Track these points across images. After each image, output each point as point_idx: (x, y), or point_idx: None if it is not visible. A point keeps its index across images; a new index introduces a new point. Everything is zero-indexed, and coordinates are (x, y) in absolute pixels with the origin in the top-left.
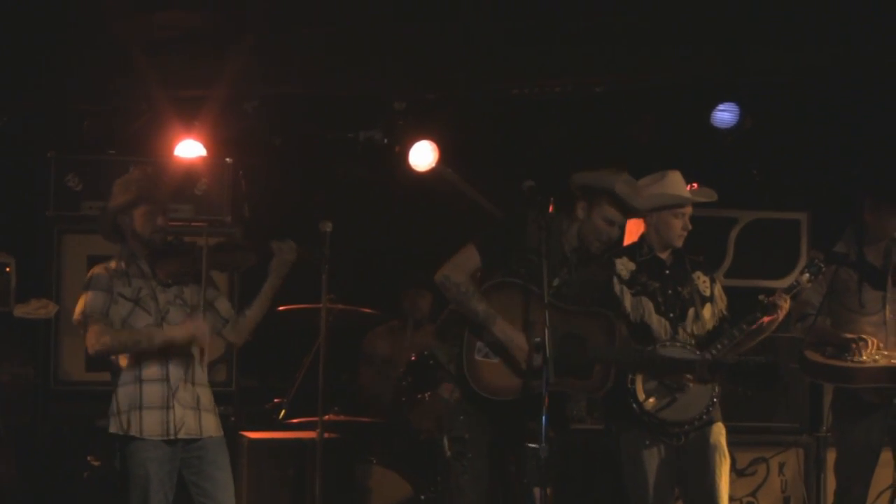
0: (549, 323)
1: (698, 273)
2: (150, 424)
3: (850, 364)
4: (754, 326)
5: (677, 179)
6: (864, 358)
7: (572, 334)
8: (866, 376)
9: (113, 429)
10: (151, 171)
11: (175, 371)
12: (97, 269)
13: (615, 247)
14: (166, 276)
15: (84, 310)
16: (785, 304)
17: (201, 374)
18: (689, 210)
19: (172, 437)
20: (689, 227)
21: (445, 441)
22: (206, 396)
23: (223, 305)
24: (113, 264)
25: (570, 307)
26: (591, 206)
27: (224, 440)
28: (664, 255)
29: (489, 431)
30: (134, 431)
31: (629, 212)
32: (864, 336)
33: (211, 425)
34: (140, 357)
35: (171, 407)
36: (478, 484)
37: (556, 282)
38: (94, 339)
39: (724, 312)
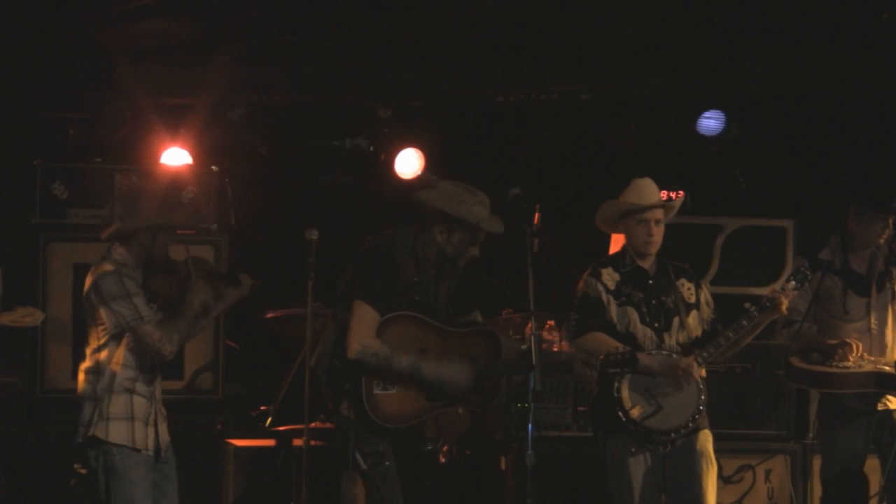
0: (446, 350)
1: (682, 280)
2: (140, 437)
3: (835, 370)
4: (740, 334)
5: (640, 186)
6: (850, 363)
7: (461, 355)
8: (852, 382)
9: (100, 433)
10: (181, 192)
11: (156, 387)
12: (106, 277)
13: None
14: (155, 293)
15: (143, 318)
16: (784, 303)
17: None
18: (654, 216)
19: (153, 452)
20: (653, 233)
21: (358, 456)
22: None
23: None
24: (109, 267)
25: (455, 329)
26: (451, 230)
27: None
28: (647, 265)
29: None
30: (123, 440)
31: (489, 230)
32: (848, 341)
33: (168, 436)
34: (136, 371)
35: (153, 423)
36: (396, 488)
37: (431, 299)
38: (171, 346)
39: (714, 316)
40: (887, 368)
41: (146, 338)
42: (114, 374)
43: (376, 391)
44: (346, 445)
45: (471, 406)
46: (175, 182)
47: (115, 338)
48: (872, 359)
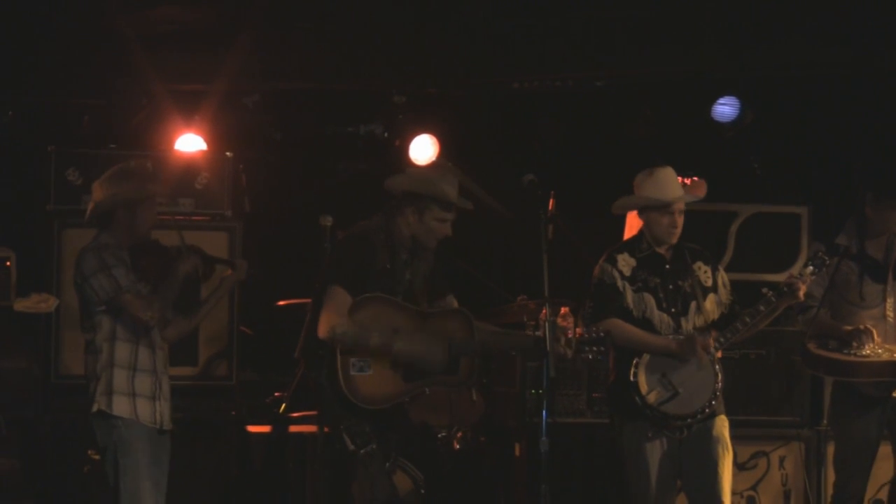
0: (418, 329)
1: (699, 263)
2: (142, 411)
3: (853, 358)
4: (757, 319)
5: (663, 177)
6: (868, 352)
7: (433, 334)
8: (869, 370)
9: (104, 407)
10: (152, 166)
11: (160, 362)
12: (85, 254)
13: None
14: (145, 273)
15: (122, 288)
16: (802, 289)
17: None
18: (678, 206)
19: (157, 428)
20: (677, 224)
21: (346, 437)
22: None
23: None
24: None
25: (429, 310)
26: (420, 210)
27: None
28: (663, 250)
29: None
30: (126, 413)
31: (459, 206)
32: (865, 328)
33: (169, 417)
34: (133, 344)
35: (158, 398)
36: (385, 470)
37: (404, 285)
38: (151, 312)
39: (732, 297)
40: None
41: (127, 307)
42: (111, 350)
43: (352, 372)
44: (334, 428)
45: (447, 386)
46: (187, 168)
47: (105, 313)
48: (889, 346)
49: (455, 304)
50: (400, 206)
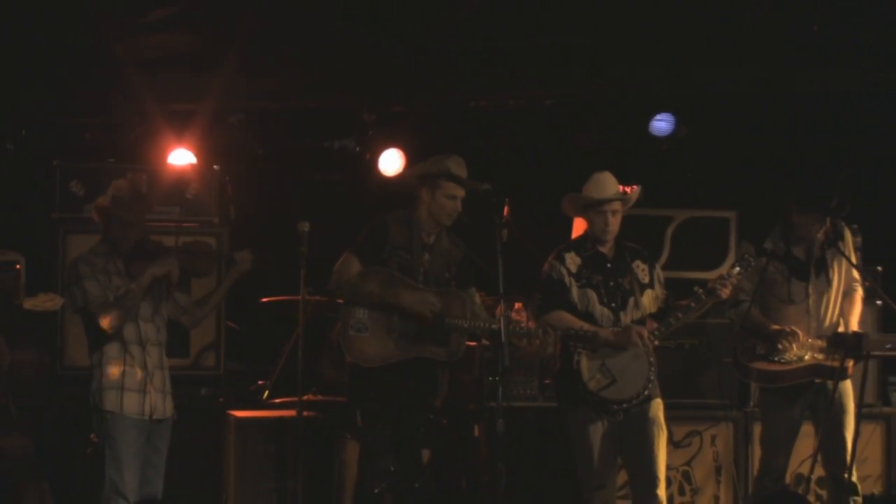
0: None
1: (637, 262)
2: (129, 404)
3: (777, 367)
4: (688, 314)
5: (599, 180)
6: (791, 357)
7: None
8: (791, 376)
9: (96, 401)
10: (143, 177)
11: (152, 358)
12: (71, 266)
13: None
14: (139, 275)
15: (88, 299)
16: (729, 288)
17: (165, 359)
18: (611, 207)
19: (146, 419)
20: (609, 223)
21: (358, 414)
22: (168, 380)
23: (182, 297)
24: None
25: (430, 289)
26: (433, 189)
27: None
28: (605, 250)
29: (391, 405)
30: (113, 407)
31: (466, 185)
32: (791, 330)
33: (170, 407)
34: (123, 341)
35: (146, 391)
36: (384, 451)
37: (423, 266)
38: (108, 320)
39: (666, 293)
40: (822, 357)
41: (94, 314)
42: (102, 348)
43: (351, 332)
44: (351, 405)
45: (437, 358)
46: (178, 179)
47: (91, 316)
48: (811, 342)
49: (476, 297)
50: (417, 191)
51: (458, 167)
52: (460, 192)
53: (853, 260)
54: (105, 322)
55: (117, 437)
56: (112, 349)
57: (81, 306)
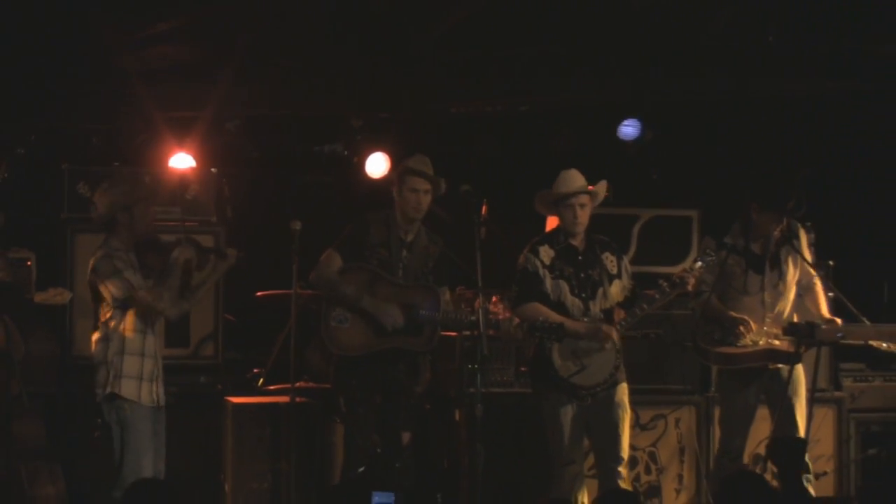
0: (391, 297)
1: (607, 254)
2: (145, 393)
3: (733, 350)
4: (653, 305)
5: (566, 176)
6: (748, 342)
7: (405, 303)
8: (747, 359)
9: (114, 390)
10: (146, 176)
11: (158, 347)
12: (99, 260)
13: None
14: (149, 268)
15: (134, 288)
16: (692, 281)
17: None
18: (578, 200)
19: (156, 406)
20: (579, 216)
21: (341, 400)
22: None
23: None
24: (101, 252)
25: (405, 283)
26: (400, 186)
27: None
28: (577, 242)
29: (373, 391)
30: (132, 396)
31: (428, 179)
32: (747, 319)
33: (163, 395)
34: (142, 334)
35: (155, 379)
36: (366, 433)
37: (401, 262)
38: (158, 298)
39: (632, 283)
40: (777, 343)
41: (142, 302)
42: (123, 339)
43: (333, 324)
44: (335, 392)
45: (412, 348)
46: (179, 181)
47: (120, 308)
48: (766, 329)
49: (447, 295)
50: (393, 192)
51: (416, 163)
52: (422, 186)
53: (806, 256)
54: (160, 305)
55: (137, 426)
56: (133, 339)
57: (127, 297)
